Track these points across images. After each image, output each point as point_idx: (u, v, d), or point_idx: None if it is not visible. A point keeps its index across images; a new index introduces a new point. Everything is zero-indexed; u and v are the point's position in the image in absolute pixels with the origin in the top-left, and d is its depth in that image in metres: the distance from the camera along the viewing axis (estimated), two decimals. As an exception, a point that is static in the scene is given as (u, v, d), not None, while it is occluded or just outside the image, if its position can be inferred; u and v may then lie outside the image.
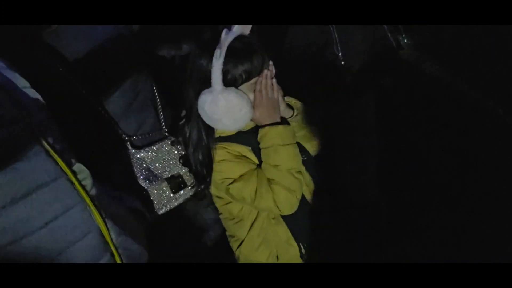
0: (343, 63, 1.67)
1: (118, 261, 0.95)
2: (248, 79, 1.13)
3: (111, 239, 0.93)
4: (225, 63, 1.08)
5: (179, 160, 1.36)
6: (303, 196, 1.25)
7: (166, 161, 1.34)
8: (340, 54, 1.65)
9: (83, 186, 0.88)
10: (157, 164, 1.32)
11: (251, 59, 1.12)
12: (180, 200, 1.37)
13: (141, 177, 1.29)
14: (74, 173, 0.87)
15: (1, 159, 0.76)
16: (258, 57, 1.13)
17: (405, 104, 2.60)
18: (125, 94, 1.28)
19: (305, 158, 1.30)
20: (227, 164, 1.18)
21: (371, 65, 1.71)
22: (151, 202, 1.30)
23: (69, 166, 0.87)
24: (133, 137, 1.30)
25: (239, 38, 1.11)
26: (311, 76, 1.73)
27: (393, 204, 2.08)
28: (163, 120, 1.37)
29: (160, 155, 1.32)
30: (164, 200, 1.33)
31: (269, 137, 1.16)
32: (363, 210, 1.95)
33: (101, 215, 0.90)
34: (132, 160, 1.28)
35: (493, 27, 1.61)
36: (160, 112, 1.37)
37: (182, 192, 1.37)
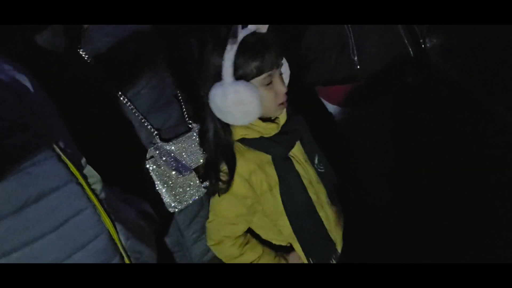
0: (358, 67, 1.66)
1: (127, 264, 0.95)
2: (258, 74, 1.13)
3: (121, 242, 0.94)
4: (237, 57, 1.08)
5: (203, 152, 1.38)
6: (314, 211, 1.27)
7: (193, 152, 1.36)
8: (355, 58, 1.64)
9: (93, 190, 0.89)
10: (185, 155, 1.34)
11: (263, 55, 1.11)
12: (205, 190, 1.39)
13: (172, 168, 1.31)
14: (85, 177, 0.88)
15: (13, 164, 0.77)
16: (270, 53, 1.12)
17: (419, 109, 2.58)
18: (153, 90, 1.30)
19: (323, 170, 1.30)
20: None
21: (387, 70, 1.69)
22: (163, 203, 1.32)
23: (80, 170, 0.88)
24: (161, 130, 1.32)
25: (254, 33, 1.10)
26: (326, 79, 1.73)
27: (396, 205, 2.07)
28: (186, 113, 1.39)
29: (187, 146, 1.35)
30: (193, 189, 1.35)
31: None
32: (373, 213, 1.94)
33: (110, 219, 0.91)
34: (161, 153, 1.30)
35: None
36: (183, 105, 1.39)
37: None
